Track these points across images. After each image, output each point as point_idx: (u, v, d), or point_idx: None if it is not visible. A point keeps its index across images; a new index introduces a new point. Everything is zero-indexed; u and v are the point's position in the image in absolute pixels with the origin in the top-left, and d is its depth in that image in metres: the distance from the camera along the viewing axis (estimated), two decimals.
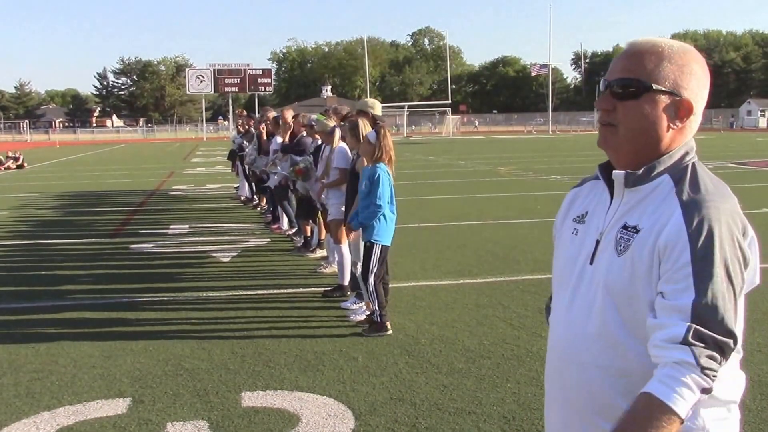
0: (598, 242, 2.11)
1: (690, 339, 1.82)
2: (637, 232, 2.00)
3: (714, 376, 1.82)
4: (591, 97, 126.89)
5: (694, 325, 1.82)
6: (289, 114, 12.58)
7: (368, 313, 7.70)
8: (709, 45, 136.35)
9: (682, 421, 1.80)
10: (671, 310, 1.86)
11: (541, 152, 42.64)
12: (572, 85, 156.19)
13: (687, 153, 2.07)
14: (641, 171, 2.05)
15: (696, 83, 2.07)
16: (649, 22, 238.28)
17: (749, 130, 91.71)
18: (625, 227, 2.04)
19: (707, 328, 1.82)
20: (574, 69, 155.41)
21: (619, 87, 2.05)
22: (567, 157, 37.28)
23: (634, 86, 2.03)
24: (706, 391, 1.82)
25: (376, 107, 8.98)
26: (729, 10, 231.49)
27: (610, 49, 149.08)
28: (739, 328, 1.88)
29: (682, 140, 2.08)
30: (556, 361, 2.22)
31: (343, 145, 8.86)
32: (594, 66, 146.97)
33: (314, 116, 11.17)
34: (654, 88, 2.02)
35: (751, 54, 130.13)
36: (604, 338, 2.04)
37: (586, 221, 2.20)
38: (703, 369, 1.81)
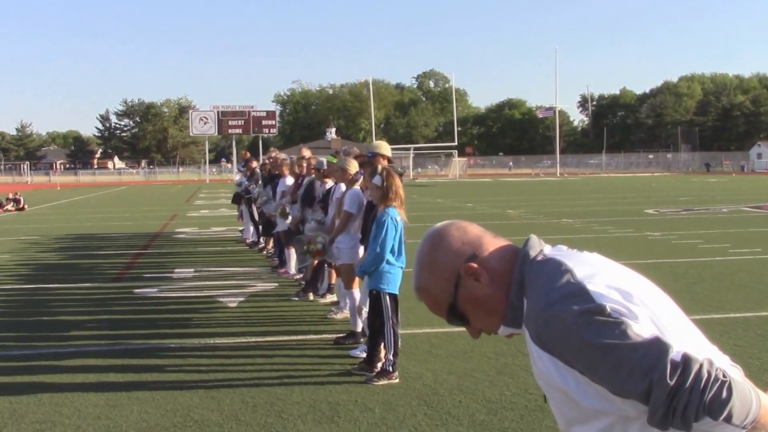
0: None
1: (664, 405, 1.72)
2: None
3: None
4: (598, 140, 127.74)
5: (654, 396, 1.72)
6: (306, 152, 12.42)
7: (365, 354, 7.51)
8: (717, 88, 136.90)
9: None
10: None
11: (550, 195, 42.49)
12: (579, 128, 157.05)
13: (521, 266, 2.01)
14: (510, 316, 2.04)
15: (444, 252, 2.10)
16: (656, 65, 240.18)
17: (760, 173, 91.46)
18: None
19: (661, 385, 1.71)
20: (581, 111, 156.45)
21: (450, 320, 2.13)
22: (577, 200, 37.11)
23: (449, 317, 2.11)
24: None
25: (382, 148, 8.76)
26: (735, 53, 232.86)
27: (617, 92, 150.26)
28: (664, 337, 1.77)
29: (504, 270, 2.03)
30: None
31: (357, 188, 8.64)
32: (601, 108, 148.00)
33: (323, 159, 11.01)
34: (450, 303, 2.08)
35: (760, 97, 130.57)
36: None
37: None
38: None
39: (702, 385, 1.68)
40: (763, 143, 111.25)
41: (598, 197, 38.68)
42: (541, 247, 2.04)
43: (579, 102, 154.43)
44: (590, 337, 1.75)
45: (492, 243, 2.09)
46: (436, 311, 2.15)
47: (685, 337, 1.83)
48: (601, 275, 1.88)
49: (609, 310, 1.77)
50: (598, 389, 1.82)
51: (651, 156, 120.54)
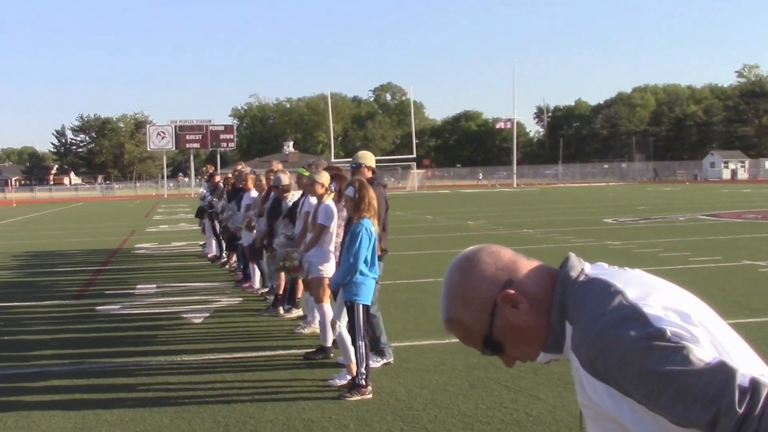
0: None
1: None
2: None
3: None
4: (554, 150, 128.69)
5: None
6: (278, 166, 12.25)
7: (350, 377, 7.35)
8: (670, 98, 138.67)
9: None
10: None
11: (508, 206, 42.63)
12: (535, 139, 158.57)
13: (562, 288, 1.88)
14: (551, 342, 1.92)
15: (478, 281, 1.94)
16: (610, 76, 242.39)
17: (713, 181, 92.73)
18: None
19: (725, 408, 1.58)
20: (536, 123, 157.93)
21: (485, 351, 1.99)
22: (535, 210, 37.27)
23: (484, 348, 1.98)
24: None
25: (367, 159, 8.71)
26: (687, 65, 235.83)
27: (572, 103, 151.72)
28: (725, 359, 1.64)
29: (542, 294, 1.91)
30: None
31: (331, 201, 8.54)
32: (556, 119, 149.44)
33: (279, 175, 10.96)
34: (486, 334, 1.94)
35: (712, 107, 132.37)
36: None
37: None
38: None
39: None
40: (716, 152, 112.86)
41: (557, 207, 38.90)
42: (581, 266, 1.92)
43: (535, 113, 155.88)
44: (651, 365, 1.63)
45: (526, 266, 1.96)
46: (469, 343, 2.01)
47: (745, 359, 1.72)
48: (655, 295, 1.77)
49: (669, 334, 1.66)
50: (655, 418, 1.70)
51: (606, 166, 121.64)
